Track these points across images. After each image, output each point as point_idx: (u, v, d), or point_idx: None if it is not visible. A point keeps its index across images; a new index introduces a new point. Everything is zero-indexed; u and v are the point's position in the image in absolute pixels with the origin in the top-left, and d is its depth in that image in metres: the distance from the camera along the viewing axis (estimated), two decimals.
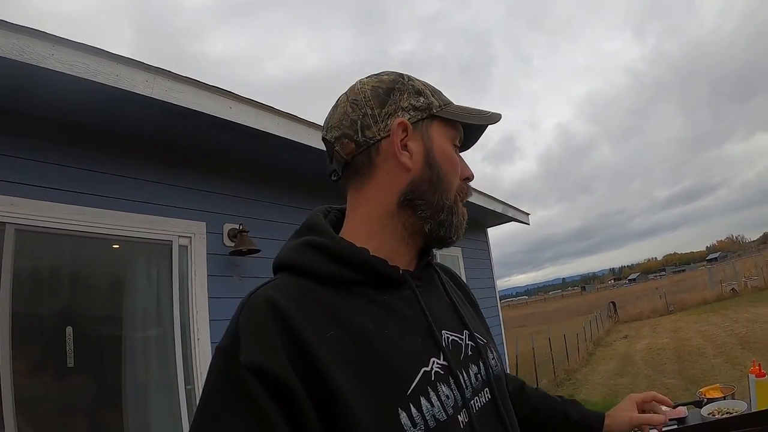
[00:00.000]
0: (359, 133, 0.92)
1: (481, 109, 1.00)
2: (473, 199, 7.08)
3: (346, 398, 0.71)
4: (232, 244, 3.90)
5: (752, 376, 1.90)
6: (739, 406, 1.89)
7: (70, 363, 3.01)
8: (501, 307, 9.57)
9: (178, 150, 3.77)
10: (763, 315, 16.63)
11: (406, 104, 0.93)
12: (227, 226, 3.96)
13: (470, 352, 0.93)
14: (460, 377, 0.86)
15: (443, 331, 0.90)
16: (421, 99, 0.94)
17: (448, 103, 0.98)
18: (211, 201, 3.93)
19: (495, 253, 9.31)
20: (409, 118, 0.92)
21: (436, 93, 0.98)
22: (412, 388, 0.77)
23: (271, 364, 0.70)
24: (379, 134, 0.91)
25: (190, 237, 3.71)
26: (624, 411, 1.29)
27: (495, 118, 1.00)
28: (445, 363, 0.84)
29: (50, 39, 2.55)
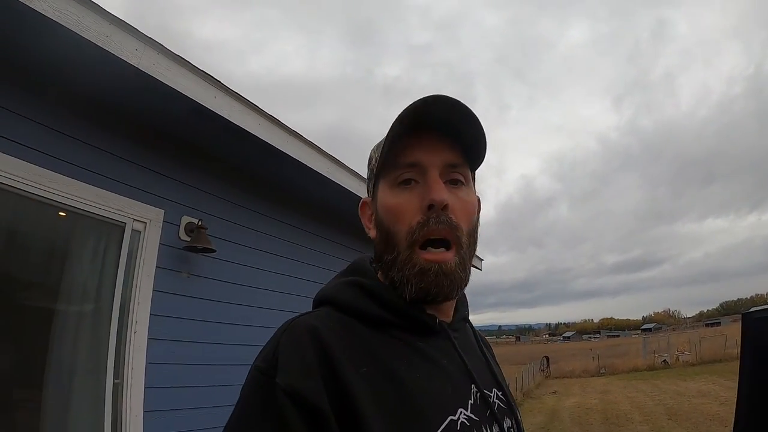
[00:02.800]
0: None
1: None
2: None
3: None
4: (188, 239, 3.69)
5: None
6: None
7: None
8: None
9: (151, 129, 3.56)
10: (691, 390, 17.08)
11: (367, 181, 1.02)
12: (185, 219, 3.75)
13: (496, 410, 0.91)
14: (484, 431, 0.85)
15: (473, 385, 0.89)
16: (370, 167, 0.99)
17: (384, 144, 0.90)
18: (174, 189, 3.72)
19: None
20: (370, 192, 1.00)
21: (380, 145, 0.94)
22: None
23: (306, 389, 0.71)
24: None
25: (146, 223, 3.49)
26: None
27: (409, 111, 0.85)
28: (471, 415, 0.84)
29: None
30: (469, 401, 0.85)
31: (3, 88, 2.77)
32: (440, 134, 0.89)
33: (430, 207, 0.85)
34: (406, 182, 0.88)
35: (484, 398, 0.89)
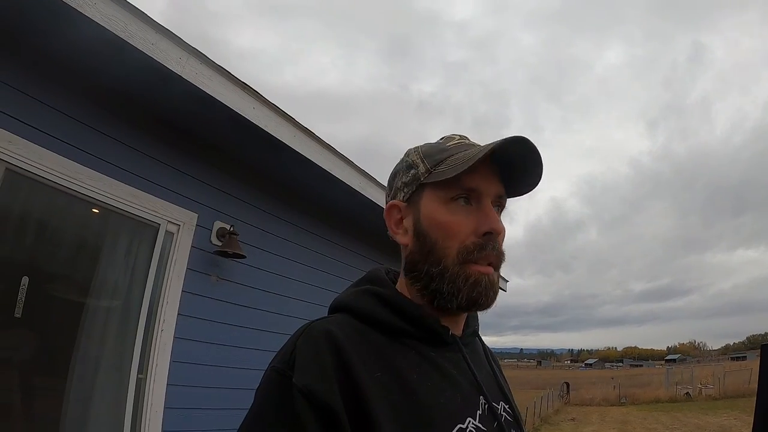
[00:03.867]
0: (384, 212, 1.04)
1: (488, 144, 0.90)
2: None
3: None
4: (219, 244, 3.79)
5: None
6: None
7: (18, 313, 2.87)
8: None
9: (190, 135, 3.69)
10: (712, 424, 16.81)
11: (400, 184, 1.00)
12: (218, 224, 3.86)
13: (503, 422, 0.92)
14: None
15: (481, 397, 0.91)
16: (411, 172, 0.97)
17: (442, 161, 0.94)
18: (209, 194, 3.84)
19: None
20: (403, 196, 0.98)
21: (431, 156, 0.96)
22: None
23: (322, 390, 0.74)
24: None
25: (179, 225, 3.60)
26: None
27: (487, 147, 0.88)
28: (480, 425, 0.86)
29: None
30: (478, 412, 0.88)
31: (47, 87, 2.89)
32: (498, 168, 0.94)
33: (487, 234, 0.90)
34: (465, 201, 0.91)
35: (492, 410, 0.91)
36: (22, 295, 2.88)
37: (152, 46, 2.74)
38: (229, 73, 3.21)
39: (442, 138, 1.02)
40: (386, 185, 1.07)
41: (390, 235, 1.01)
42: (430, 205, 0.93)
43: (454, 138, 0.99)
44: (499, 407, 0.95)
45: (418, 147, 1.01)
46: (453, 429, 0.81)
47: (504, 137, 0.88)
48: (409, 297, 0.94)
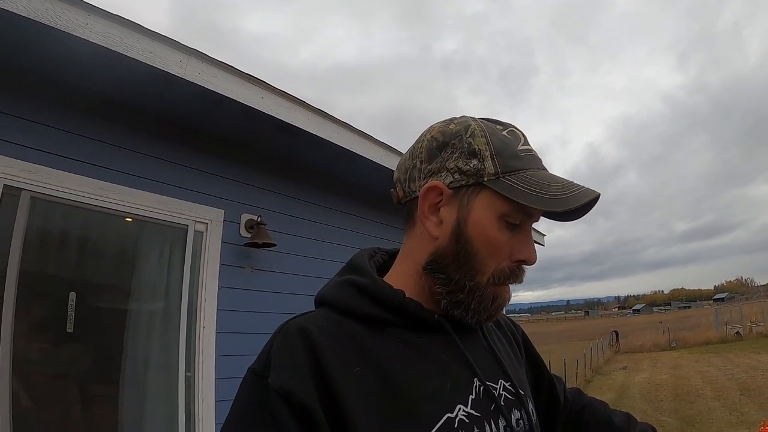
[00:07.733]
0: (407, 183, 0.92)
1: (564, 183, 0.86)
2: None
3: None
4: (249, 236, 3.85)
5: None
6: None
7: (70, 328, 3.01)
8: None
9: (205, 134, 3.72)
10: (765, 362, 16.58)
11: (452, 165, 0.86)
12: (245, 217, 3.91)
13: (502, 403, 0.89)
14: (486, 427, 0.83)
15: (475, 379, 0.87)
16: (473, 162, 0.85)
17: (515, 170, 0.85)
18: (232, 189, 3.88)
19: None
20: (451, 182, 0.86)
21: (502, 156, 0.85)
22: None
23: (297, 389, 0.73)
24: (418, 191, 0.89)
25: (207, 223, 3.65)
26: None
27: (572, 201, 0.82)
28: (472, 411, 0.83)
29: (86, 8, 2.50)
30: (470, 396, 0.84)
31: (58, 111, 2.95)
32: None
33: (523, 262, 0.89)
34: (509, 224, 0.86)
35: (488, 392, 0.87)
36: (71, 311, 3.00)
37: (151, 54, 2.76)
38: (232, 67, 3.21)
39: (501, 125, 0.91)
40: (422, 146, 0.91)
41: (415, 215, 0.91)
42: (486, 214, 0.85)
43: (519, 136, 0.90)
44: (498, 386, 0.91)
45: (482, 127, 0.88)
46: (440, 419, 0.78)
47: (581, 188, 0.85)
48: (404, 285, 0.89)
